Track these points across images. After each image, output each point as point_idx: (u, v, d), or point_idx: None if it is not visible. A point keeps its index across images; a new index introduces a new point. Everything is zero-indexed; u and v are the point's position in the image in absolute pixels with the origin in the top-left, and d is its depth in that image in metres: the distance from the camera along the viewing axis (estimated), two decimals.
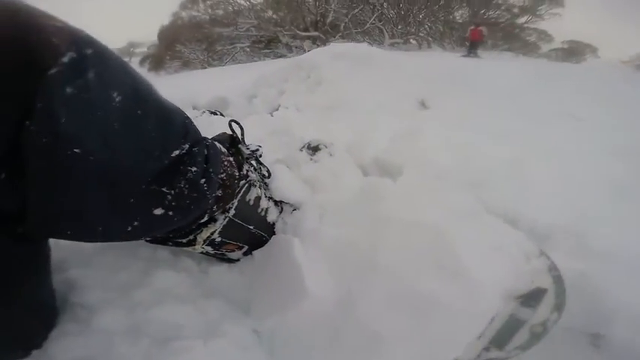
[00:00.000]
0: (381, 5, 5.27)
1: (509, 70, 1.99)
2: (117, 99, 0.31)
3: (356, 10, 5.37)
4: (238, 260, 0.60)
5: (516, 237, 0.52)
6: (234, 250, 0.56)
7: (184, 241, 0.46)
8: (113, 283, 0.45)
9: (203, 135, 0.42)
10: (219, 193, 0.43)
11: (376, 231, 0.52)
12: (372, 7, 5.34)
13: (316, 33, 5.63)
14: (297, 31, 5.60)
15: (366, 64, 1.27)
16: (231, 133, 0.53)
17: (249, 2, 6.18)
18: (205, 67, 6.00)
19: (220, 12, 6.48)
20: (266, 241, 0.59)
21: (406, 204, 0.55)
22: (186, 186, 0.37)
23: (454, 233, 0.49)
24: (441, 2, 5.46)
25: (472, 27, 6.32)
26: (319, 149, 0.69)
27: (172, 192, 0.36)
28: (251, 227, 0.54)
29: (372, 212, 0.55)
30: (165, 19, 7.02)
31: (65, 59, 0.28)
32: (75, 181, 0.29)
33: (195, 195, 0.38)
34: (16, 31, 0.27)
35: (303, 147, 0.72)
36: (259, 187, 0.54)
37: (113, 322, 0.41)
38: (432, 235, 0.49)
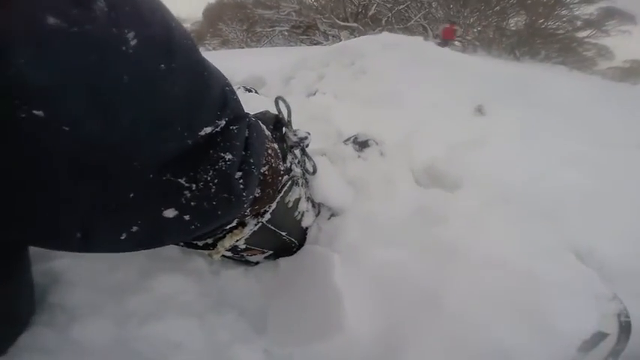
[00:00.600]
0: (430, 4, 5.06)
1: (570, 84, 1.80)
2: (132, 42, 0.20)
3: (402, 6, 5.18)
4: (257, 263, 0.51)
5: (590, 277, 0.45)
6: (255, 254, 0.46)
7: (200, 243, 0.36)
8: (105, 282, 0.36)
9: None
10: (257, 192, 0.33)
11: (439, 261, 0.42)
12: (419, 4, 5.13)
13: (355, 24, 5.49)
14: (337, 20, 5.48)
15: (419, 58, 1.13)
16: (276, 112, 0.43)
17: None
18: (243, 47, 6.00)
19: None
20: (295, 248, 0.49)
21: (475, 231, 0.46)
22: (215, 180, 0.26)
23: (537, 275, 0.41)
24: (497, 8, 5.17)
25: (446, 25, 5.79)
26: (368, 145, 0.58)
27: (193, 186, 0.25)
28: (283, 233, 0.44)
29: (432, 235, 0.45)
30: None
31: None
32: (33, 163, 0.19)
33: (225, 195, 0.27)
34: None
35: (349, 140, 0.61)
36: (301, 186, 0.43)
37: (97, 334, 0.32)
38: (513, 275, 0.41)
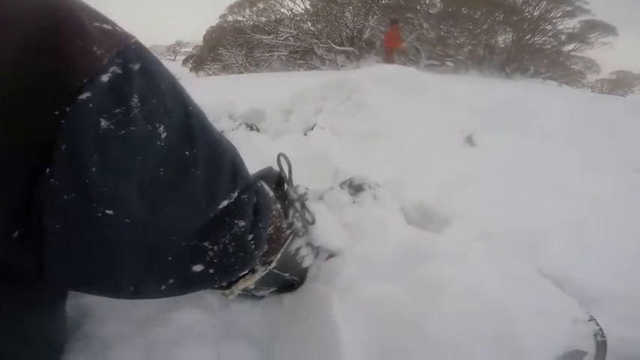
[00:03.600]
0: (421, 26, 5.22)
1: (559, 104, 1.87)
2: (163, 135, 0.24)
3: None
4: (262, 297, 0.56)
5: (567, 302, 0.49)
6: (260, 290, 0.52)
7: (216, 286, 0.42)
8: (132, 316, 0.42)
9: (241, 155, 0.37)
10: (265, 247, 0.39)
11: (425, 294, 0.46)
12: (411, 26, 5.30)
13: (351, 48, 5.65)
14: (333, 45, 5.64)
15: (412, 90, 1.21)
16: (278, 169, 0.49)
17: (292, 12, 6.32)
18: (242, 72, 6.15)
19: (263, 19, 6.67)
20: (297, 285, 0.54)
21: (458, 267, 0.51)
22: (232, 243, 0.32)
23: (512, 303, 0.45)
24: (484, 26, 5.33)
25: (388, 28, 5.04)
26: (362, 189, 0.64)
27: (215, 247, 0.31)
28: (287, 275, 0.50)
29: (420, 271, 0.50)
30: (214, 21, 7.26)
31: (104, 78, 0.21)
32: (103, 247, 0.24)
33: (241, 254, 0.33)
34: (45, 32, 0.20)
35: (345, 183, 0.67)
36: (302, 235, 0.49)
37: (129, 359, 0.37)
38: (489, 306, 0.45)
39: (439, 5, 5.46)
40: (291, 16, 6.37)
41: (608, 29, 5.88)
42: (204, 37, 7.84)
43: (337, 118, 1.12)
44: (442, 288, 0.47)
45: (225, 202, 0.32)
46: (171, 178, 0.26)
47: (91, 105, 0.21)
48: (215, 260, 0.31)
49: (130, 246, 0.25)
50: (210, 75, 7.10)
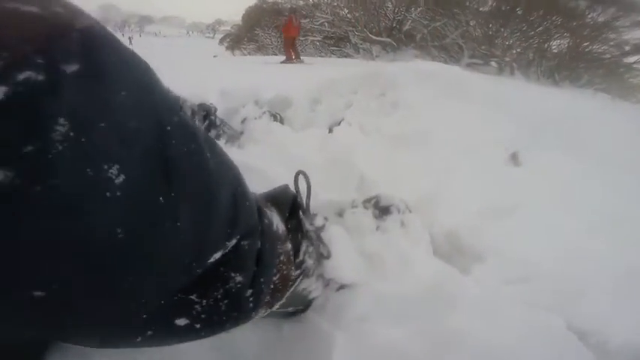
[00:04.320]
0: (467, 23, 4.92)
1: (616, 122, 1.68)
2: (117, 179, 0.17)
3: (438, 24, 5.07)
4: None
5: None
6: None
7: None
8: None
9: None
10: (266, 299, 0.31)
11: (441, 348, 0.40)
12: (456, 22, 5.02)
13: (388, 39, 5.41)
14: (369, 34, 5.43)
15: (454, 91, 1.09)
16: (294, 190, 0.41)
17: None
18: (276, 54, 6.10)
19: (301, 2, 6.54)
20: (299, 313, 0.47)
21: (481, 317, 0.46)
22: (225, 300, 0.25)
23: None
24: (539, 29, 4.95)
25: (284, 21, 4.97)
26: (390, 212, 0.55)
27: (204, 302, 0.24)
28: (290, 309, 0.42)
29: (439, 319, 0.44)
30: (254, 1, 7.26)
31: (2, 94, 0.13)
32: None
33: (234, 313, 0.27)
34: None
35: (369, 202, 0.58)
36: (312, 275, 0.41)
37: None
38: None
39: (490, 3, 5.09)
40: (329, 1, 6.22)
41: None
42: (242, 17, 7.86)
43: (368, 115, 1.02)
44: (461, 343, 0.41)
45: (218, 254, 0.24)
46: (134, 241, 0.18)
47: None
48: (203, 316, 0.25)
49: (89, 295, 0.19)
50: (245, 55, 7.11)
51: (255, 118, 1.16)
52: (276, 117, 1.19)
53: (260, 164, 0.71)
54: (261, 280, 0.28)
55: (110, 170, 0.16)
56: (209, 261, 0.23)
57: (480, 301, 0.48)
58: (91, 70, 0.16)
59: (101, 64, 0.17)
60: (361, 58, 5.08)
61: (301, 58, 4.79)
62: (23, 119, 0.14)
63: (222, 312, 0.25)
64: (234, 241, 0.25)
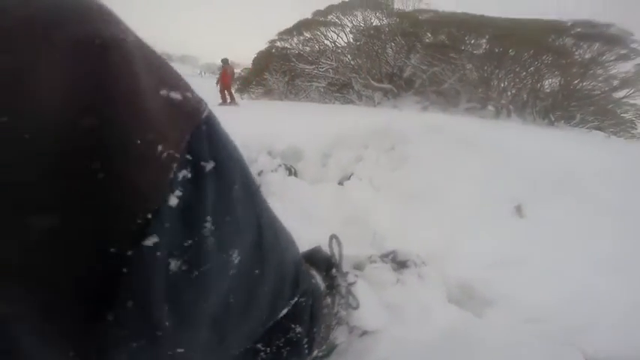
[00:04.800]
0: (464, 67, 5.18)
1: (612, 164, 1.75)
2: (235, 261, 0.21)
3: (436, 69, 5.34)
4: None
5: None
6: None
7: None
8: None
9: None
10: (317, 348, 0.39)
11: None
12: (453, 67, 5.28)
13: (389, 86, 5.67)
14: (371, 81, 5.70)
15: (461, 144, 1.17)
16: (327, 251, 0.47)
17: (334, 44, 6.52)
18: (282, 99, 6.35)
19: (308, 49, 6.85)
20: (324, 357, 0.52)
21: (500, 356, 0.51)
22: (287, 347, 0.32)
23: None
24: (531, 69, 5.16)
25: (221, 71, 5.85)
26: (407, 266, 0.61)
27: (268, 349, 0.31)
28: (316, 352, 0.47)
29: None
30: (264, 46, 7.57)
31: (173, 201, 0.16)
32: None
33: (294, 358, 0.33)
34: (88, 125, 0.14)
35: (387, 257, 0.64)
36: (344, 323, 0.47)
37: None
38: None
39: (484, 46, 5.36)
40: (334, 48, 6.56)
41: None
42: (253, 61, 8.17)
43: (378, 170, 1.10)
44: None
45: (285, 310, 0.31)
46: (240, 303, 0.25)
47: (158, 252, 0.17)
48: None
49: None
50: (252, 99, 7.37)
51: (272, 171, 1.24)
52: (290, 171, 1.27)
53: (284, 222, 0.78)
54: (314, 330, 0.34)
55: (232, 255, 0.21)
56: (279, 316, 0.30)
57: (497, 341, 0.52)
58: (219, 168, 0.19)
59: (222, 161, 0.20)
60: (363, 105, 5.31)
61: (236, 101, 5.61)
62: (186, 222, 0.18)
63: (284, 357, 0.31)
64: (295, 299, 0.31)
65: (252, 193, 0.24)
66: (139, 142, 0.15)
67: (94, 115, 0.14)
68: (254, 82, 7.86)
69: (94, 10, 0.15)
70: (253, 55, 8.01)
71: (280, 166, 1.24)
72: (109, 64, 0.15)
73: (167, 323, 0.19)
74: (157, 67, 0.17)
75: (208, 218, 0.19)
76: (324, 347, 0.42)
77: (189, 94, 0.18)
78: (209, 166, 0.18)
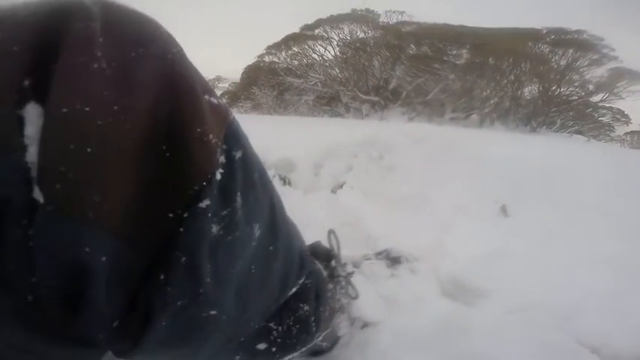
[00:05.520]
0: (447, 77, 5.34)
1: (591, 166, 1.84)
2: (257, 234, 0.25)
3: (420, 80, 5.49)
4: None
5: None
6: None
7: None
8: None
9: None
10: (324, 327, 0.42)
11: None
12: (437, 77, 5.43)
13: (376, 98, 5.77)
14: (359, 93, 5.81)
15: (446, 152, 1.23)
16: (326, 245, 0.52)
17: (322, 58, 6.63)
18: (271, 114, 6.40)
19: (296, 63, 6.87)
20: (327, 350, 0.56)
21: (494, 340, 0.53)
22: (297, 325, 0.35)
23: None
24: (511, 77, 5.34)
25: None
26: (400, 262, 0.65)
27: (279, 328, 0.34)
28: (323, 344, 0.51)
29: (457, 345, 0.52)
30: (252, 60, 7.54)
31: (218, 176, 0.21)
32: (198, 338, 0.25)
33: (303, 335, 0.36)
34: (166, 114, 0.19)
35: (382, 254, 0.68)
36: (344, 311, 0.51)
37: None
38: None
39: (466, 55, 5.53)
40: (321, 61, 6.65)
41: (637, 77, 5.60)
42: (242, 75, 8.14)
43: (368, 178, 1.15)
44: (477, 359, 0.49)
45: (293, 289, 0.35)
46: (259, 274, 0.29)
47: (209, 214, 0.21)
48: (279, 340, 0.34)
49: (218, 336, 0.28)
50: (241, 113, 7.39)
51: None
52: (285, 180, 1.31)
53: None
54: (320, 309, 0.38)
55: (255, 227, 0.26)
56: (289, 294, 0.33)
57: (490, 326, 0.56)
58: (244, 154, 0.24)
59: (245, 147, 0.25)
60: (351, 117, 5.41)
61: None
62: (224, 195, 0.22)
63: (294, 335, 0.35)
64: (302, 280, 0.35)
65: (266, 180, 0.29)
66: (198, 130, 0.20)
67: (168, 108, 0.19)
68: (242, 97, 7.88)
69: (161, 31, 0.21)
70: (241, 70, 8.02)
71: (275, 176, 1.28)
72: (177, 73, 0.20)
73: (208, 280, 0.22)
74: (200, 77, 0.23)
75: (239, 194, 0.23)
76: (328, 330, 0.45)
77: (221, 101, 0.24)
78: (238, 154, 0.23)
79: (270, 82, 7.03)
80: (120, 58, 0.18)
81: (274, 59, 7.15)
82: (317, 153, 1.50)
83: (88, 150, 0.17)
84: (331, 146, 1.50)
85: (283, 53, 6.97)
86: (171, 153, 0.19)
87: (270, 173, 1.36)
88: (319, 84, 6.29)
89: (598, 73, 5.55)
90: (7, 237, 0.17)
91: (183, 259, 0.21)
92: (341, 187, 1.19)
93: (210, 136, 0.21)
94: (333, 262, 0.51)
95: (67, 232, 0.17)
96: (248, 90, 7.53)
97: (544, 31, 5.59)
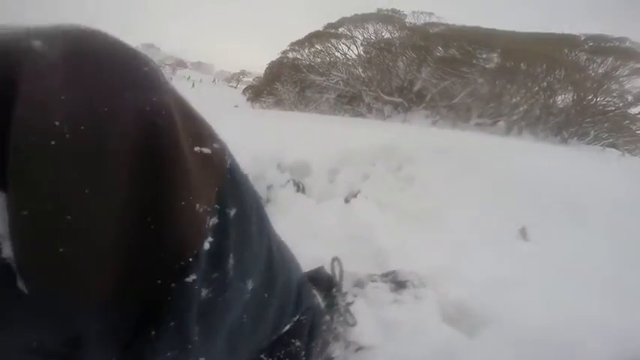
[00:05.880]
0: (475, 81, 5.17)
1: (624, 187, 1.73)
2: (250, 287, 0.25)
3: (446, 82, 5.34)
4: None
5: None
6: None
7: None
8: None
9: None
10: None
11: None
12: (465, 81, 5.27)
13: (399, 99, 5.67)
14: (381, 94, 5.71)
15: (468, 166, 1.19)
16: (328, 272, 0.51)
17: (345, 57, 6.57)
18: (292, 110, 6.41)
19: (319, 60, 6.86)
20: None
21: None
22: (286, 359, 0.35)
23: None
24: (543, 84, 5.10)
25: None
26: (406, 287, 0.63)
27: None
28: None
29: None
30: (276, 56, 7.60)
31: (206, 245, 0.21)
32: None
33: None
34: (146, 185, 0.18)
35: (388, 276, 0.66)
36: (340, 340, 0.49)
37: None
38: None
39: (496, 60, 5.32)
40: (344, 60, 6.59)
41: None
42: (265, 71, 8.22)
43: (384, 189, 1.12)
44: None
45: (287, 326, 0.34)
46: (251, 321, 0.29)
47: (196, 286, 0.21)
48: None
49: None
50: (264, 108, 7.45)
51: (281, 186, 1.27)
52: (299, 187, 1.30)
53: (289, 240, 0.81)
54: (312, 345, 0.38)
55: (248, 282, 0.26)
56: (283, 331, 0.34)
57: (485, 358, 0.55)
58: (240, 209, 0.23)
59: (242, 205, 0.24)
60: (373, 118, 5.33)
61: None
62: (214, 261, 0.22)
63: None
64: (297, 317, 0.35)
65: (263, 224, 0.28)
66: (183, 203, 0.19)
67: (150, 176, 0.18)
68: (265, 92, 7.94)
69: (140, 71, 0.18)
70: (265, 65, 8.08)
71: (289, 182, 1.27)
72: (158, 131, 0.18)
73: (196, 338, 0.22)
74: (192, 122, 0.20)
75: (231, 255, 0.23)
76: None
77: (216, 145, 0.22)
78: (232, 212, 0.22)
79: (293, 78, 7.04)
80: (88, 120, 0.16)
81: (297, 56, 7.15)
82: (334, 157, 1.49)
83: (61, 249, 0.16)
84: (349, 151, 1.48)
85: (306, 50, 6.96)
86: (156, 226, 0.18)
87: (285, 177, 1.36)
88: (341, 82, 6.24)
89: (639, 83, 5.22)
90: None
91: (172, 323, 0.21)
92: (355, 196, 1.17)
93: (197, 206, 0.20)
94: (333, 291, 0.50)
95: (54, 316, 0.17)
96: (271, 85, 7.57)
97: (582, 38, 5.31)
